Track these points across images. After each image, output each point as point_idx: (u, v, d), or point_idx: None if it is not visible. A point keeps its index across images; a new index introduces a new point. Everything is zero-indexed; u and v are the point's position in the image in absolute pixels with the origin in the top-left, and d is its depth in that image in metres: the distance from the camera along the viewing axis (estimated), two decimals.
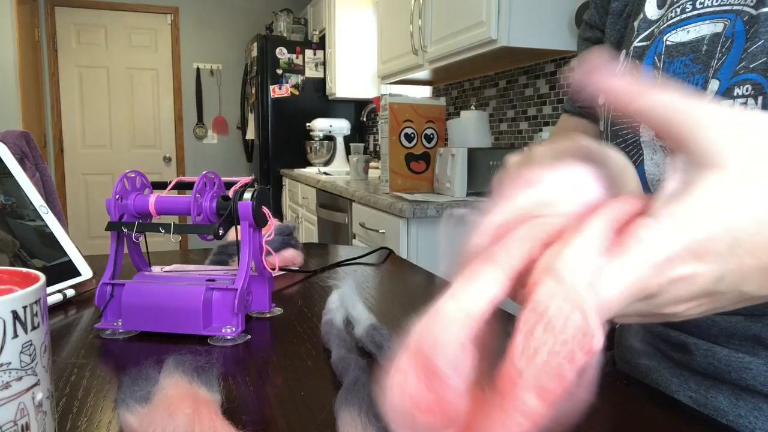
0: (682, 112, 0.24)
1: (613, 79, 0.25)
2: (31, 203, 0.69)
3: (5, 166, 0.69)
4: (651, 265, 0.22)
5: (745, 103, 0.39)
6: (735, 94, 0.40)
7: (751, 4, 0.41)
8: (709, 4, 0.45)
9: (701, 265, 0.23)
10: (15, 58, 3.51)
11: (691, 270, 0.23)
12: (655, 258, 0.22)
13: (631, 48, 0.52)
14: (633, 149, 0.51)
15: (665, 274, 0.22)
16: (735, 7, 0.42)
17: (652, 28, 0.50)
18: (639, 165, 0.50)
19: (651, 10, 0.51)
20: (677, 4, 0.48)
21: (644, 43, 0.50)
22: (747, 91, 0.39)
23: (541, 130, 2.29)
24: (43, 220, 0.69)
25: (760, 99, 0.38)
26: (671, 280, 0.23)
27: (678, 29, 0.47)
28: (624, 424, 0.38)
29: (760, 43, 0.39)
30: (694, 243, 0.22)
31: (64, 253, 0.70)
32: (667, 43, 0.48)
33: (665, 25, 0.48)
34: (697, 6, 0.46)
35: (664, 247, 0.22)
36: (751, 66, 0.39)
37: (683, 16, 0.47)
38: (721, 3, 0.44)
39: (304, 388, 0.42)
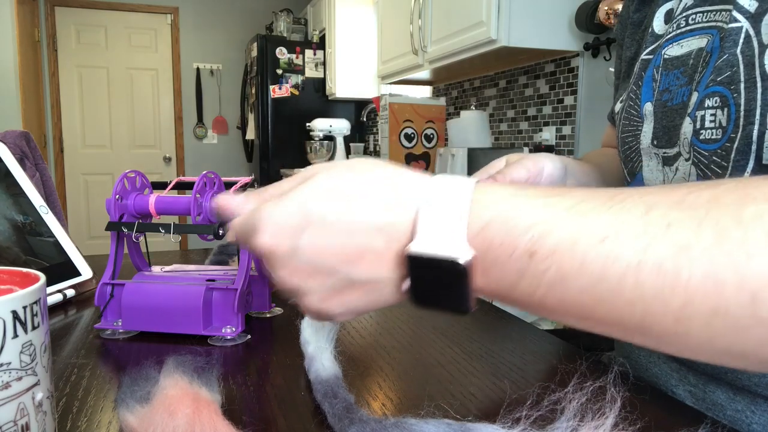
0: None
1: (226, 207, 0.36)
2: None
3: (7, 168, 0.69)
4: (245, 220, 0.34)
5: (714, 115, 0.41)
6: (706, 105, 0.42)
7: (727, 20, 0.42)
8: (699, 20, 0.47)
9: (279, 236, 0.31)
10: (15, 58, 3.51)
11: (270, 240, 0.31)
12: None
13: (639, 60, 0.53)
14: (634, 155, 0.52)
15: (259, 237, 0.32)
16: (718, 23, 0.44)
17: (657, 42, 0.52)
18: (639, 171, 0.52)
19: (658, 24, 0.53)
20: (675, 20, 0.49)
21: (649, 56, 0.52)
22: (716, 103, 0.41)
23: (540, 130, 2.29)
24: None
25: (725, 110, 0.40)
26: (264, 246, 0.32)
27: (674, 43, 0.49)
28: (624, 421, 0.38)
29: (725, 57, 0.41)
30: (278, 218, 0.31)
31: (65, 253, 0.70)
32: (665, 56, 0.50)
33: (664, 40, 0.50)
34: (690, 22, 0.48)
35: (261, 214, 0.32)
36: (718, 79, 0.41)
37: (679, 30, 0.49)
38: (709, 19, 0.46)
39: (304, 388, 0.42)
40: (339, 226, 0.30)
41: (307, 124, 3.92)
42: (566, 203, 0.27)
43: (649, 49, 0.53)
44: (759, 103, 0.38)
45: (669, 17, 0.52)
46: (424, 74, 2.73)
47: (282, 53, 4.02)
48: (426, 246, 0.29)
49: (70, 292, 0.66)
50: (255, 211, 0.33)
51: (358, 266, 0.31)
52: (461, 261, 0.28)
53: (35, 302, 0.27)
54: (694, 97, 0.44)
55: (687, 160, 0.45)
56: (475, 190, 0.29)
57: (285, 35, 4.30)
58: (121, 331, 0.54)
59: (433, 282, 0.30)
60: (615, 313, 0.26)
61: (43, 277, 0.30)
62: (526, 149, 2.12)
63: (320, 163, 0.34)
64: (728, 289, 0.23)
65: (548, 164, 0.50)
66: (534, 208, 0.28)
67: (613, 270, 0.25)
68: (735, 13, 0.41)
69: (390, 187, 0.31)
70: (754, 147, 0.38)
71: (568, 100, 2.14)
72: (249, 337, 0.54)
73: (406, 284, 0.31)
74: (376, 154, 3.87)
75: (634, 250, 0.25)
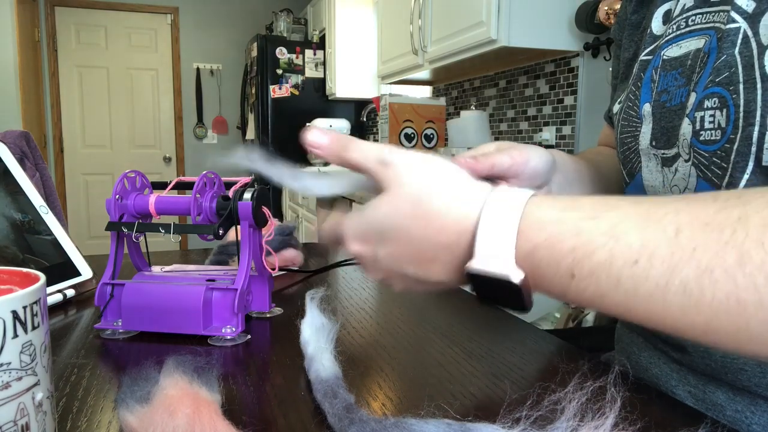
0: (369, 161, 0.39)
1: (322, 146, 0.40)
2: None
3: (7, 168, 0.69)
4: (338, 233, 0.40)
5: (713, 116, 0.41)
6: (705, 106, 0.42)
7: (724, 20, 0.42)
8: (698, 21, 0.47)
9: (362, 245, 0.39)
10: (15, 58, 3.51)
11: (357, 248, 0.39)
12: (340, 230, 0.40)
13: (638, 61, 0.53)
14: (633, 156, 0.52)
15: (347, 245, 0.40)
16: (716, 24, 0.44)
17: (656, 43, 0.52)
18: (638, 172, 0.52)
19: (657, 25, 0.53)
20: (674, 21, 0.49)
21: (648, 57, 0.53)
22: (714, 103, 0.41)
23: (540, 130, 2.29)
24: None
25: (724, 111, 0.40)
26: (353, 252, 0.40)
27: (673, 44, 0.49)
28: (624, 421, 0.38)
29: (723, 57, 0.41)
30: (357, 232, 0.39)
31: (65, 253, 0.70)
32: (664, 57, 0.50)
33: (664, 41, 0.50)
34: (689, 23, 0.48)
35: (344, 228, 0.40)
36: (717, 80, 0.41)
37: (678, 32, 0.49)
38: (707, 20, 0.46)
39: (304, 388, 0.42)
40: (409, 242, 0.37)
41: (307, 124, 3.92)
42: (604, 226, 0.31)
43: (648, 49, 0.53)
44: (759, 104, 0.37)
45: (667, 18, 0.52)
46: (424, 74, 2.73)
47: (282, 53, 4.02)
48: (483, 264, 0.34)
49: (70, 292, 0.66)
50: (341, 223, 0.40)
51: (429, 271, 0.37)
52: (514, 280, 0.33)
53: (35, 302, 0.27)
54: (692, 97, 0.44)
55: (687, 161, 0.45)
56: (527, 207, 0.34)
57: (285, 35, 4.30)
58: (121, 331, 0.54)
59: (493, 291, 0.35)
60: (647, 322, 0.30)
61: (43, 277, 0.30)
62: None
63: (397, 169, 0.38)
64: (749, 308, 0.26)
65: (534, 157, 0.49)
66: (576, 234, 0.32)
67: (644, 290, 0.29)
68: (733, 14, 0.41)
69: (452, 207, 0.36)
70: (753, 148, 0.38)
71: (568, 100, 2.14)
72: (249, 337, 0.54)
73: (470, 288, 0.37)
74: None
75: (662, 271, 0.28)
